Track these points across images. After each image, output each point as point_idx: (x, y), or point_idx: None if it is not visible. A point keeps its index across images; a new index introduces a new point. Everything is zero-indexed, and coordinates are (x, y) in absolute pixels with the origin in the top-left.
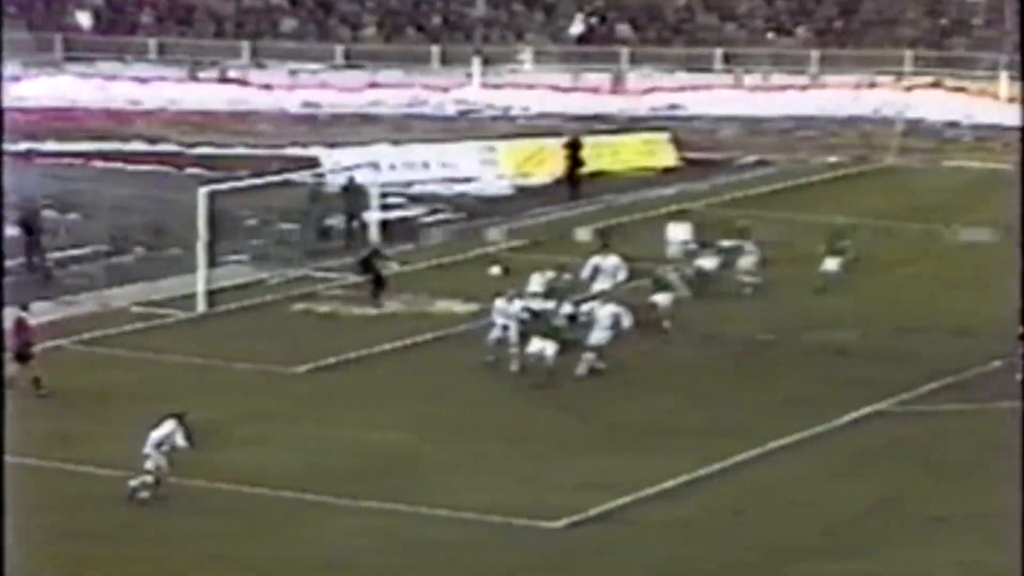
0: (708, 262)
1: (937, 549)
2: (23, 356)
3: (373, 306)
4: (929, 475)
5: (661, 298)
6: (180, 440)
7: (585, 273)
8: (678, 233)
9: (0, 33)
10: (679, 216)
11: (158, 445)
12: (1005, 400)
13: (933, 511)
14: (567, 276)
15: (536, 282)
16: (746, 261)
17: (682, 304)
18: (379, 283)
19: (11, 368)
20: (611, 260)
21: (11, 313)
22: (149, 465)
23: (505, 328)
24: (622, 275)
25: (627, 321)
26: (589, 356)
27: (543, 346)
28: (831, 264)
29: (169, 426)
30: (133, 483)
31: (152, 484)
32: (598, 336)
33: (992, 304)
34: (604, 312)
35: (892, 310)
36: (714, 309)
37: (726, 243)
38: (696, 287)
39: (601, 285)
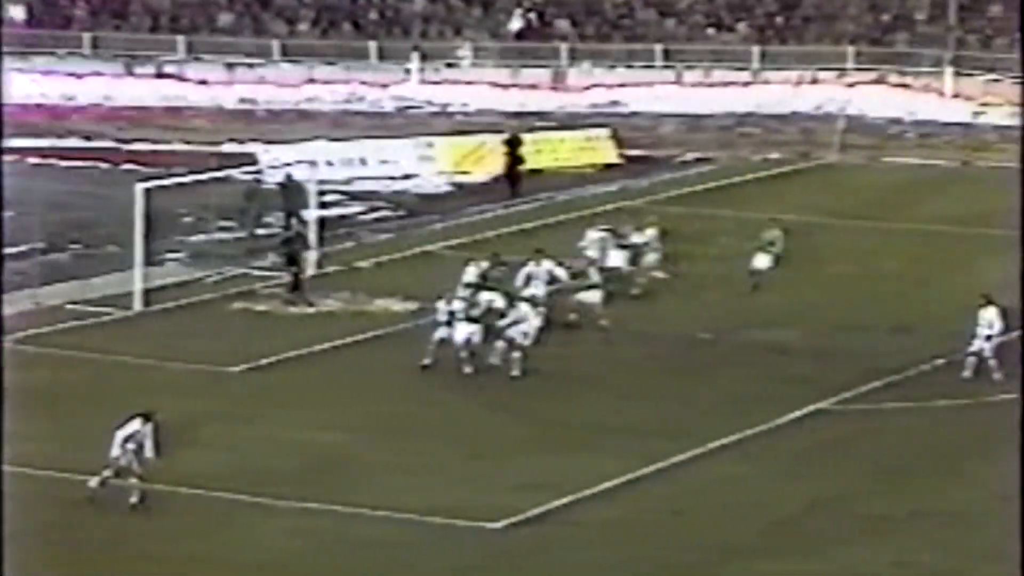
0: (618, 259)
1: (877, 549)
2: None
3: (299, 301)
4: (870, 474)
5: (590, 296)
6: (148, 446)
7: (518, 281)
8: (596, 232)
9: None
10: (618, 213)
11: (124, 443)
12: (947, 399)
13: (873, 510)
14: (503, 267)
15: (471, 273)
16: (650, 259)
17: (616, 303)
18: (297, 277)
19: None
20: (544, 266)
21: None
22: (121, 463)
23: (449, 324)
24: (561, 275)
25: (530, 328)
26: (515, 356)
27: (471, 331)
28: (761, 261)
29: (135, 425)
30: (90, 483)
31: (112, 480)
32: (514, 332)
33: (932, 302)
34: (521, 314)
35: (833, 308)
36: (652, 307)
37: (635, 240)
38: (609, 285)
39: (533, 291)
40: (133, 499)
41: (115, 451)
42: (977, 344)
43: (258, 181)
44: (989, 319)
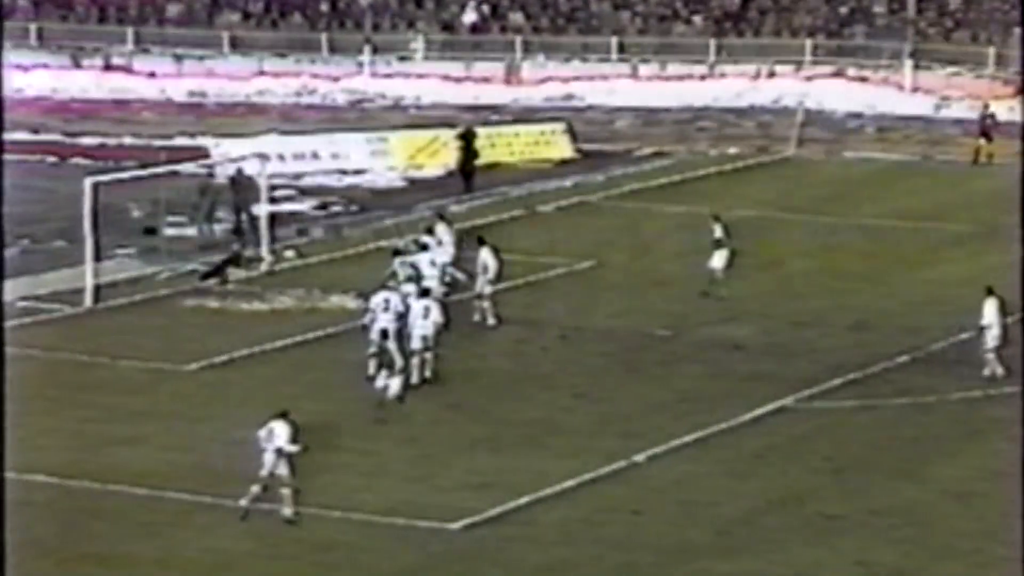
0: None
1: (836, 547)
2: None
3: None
4: (830, 472)
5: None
6: (285, 443)
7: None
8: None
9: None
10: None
11: (272, 450)
12: (908, 396)
13: (833, 509)
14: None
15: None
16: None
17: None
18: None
19: None
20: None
21: None
22: (263, 472)
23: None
24: (492, 267)
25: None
26: (415, 361)
27: (389, 384)
28: (718, 260)
29: (278, 427)
30: (241, 503)
31: (261, 491)
32: (418, 334)
33: (892, 298)
34: (417, 308)
35: (792, 304)
36: (609, 303)
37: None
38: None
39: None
40: (287, 512)
41: (268, 460)
42: (991, 341)
43: (210, 175)
44: (991, 313)
